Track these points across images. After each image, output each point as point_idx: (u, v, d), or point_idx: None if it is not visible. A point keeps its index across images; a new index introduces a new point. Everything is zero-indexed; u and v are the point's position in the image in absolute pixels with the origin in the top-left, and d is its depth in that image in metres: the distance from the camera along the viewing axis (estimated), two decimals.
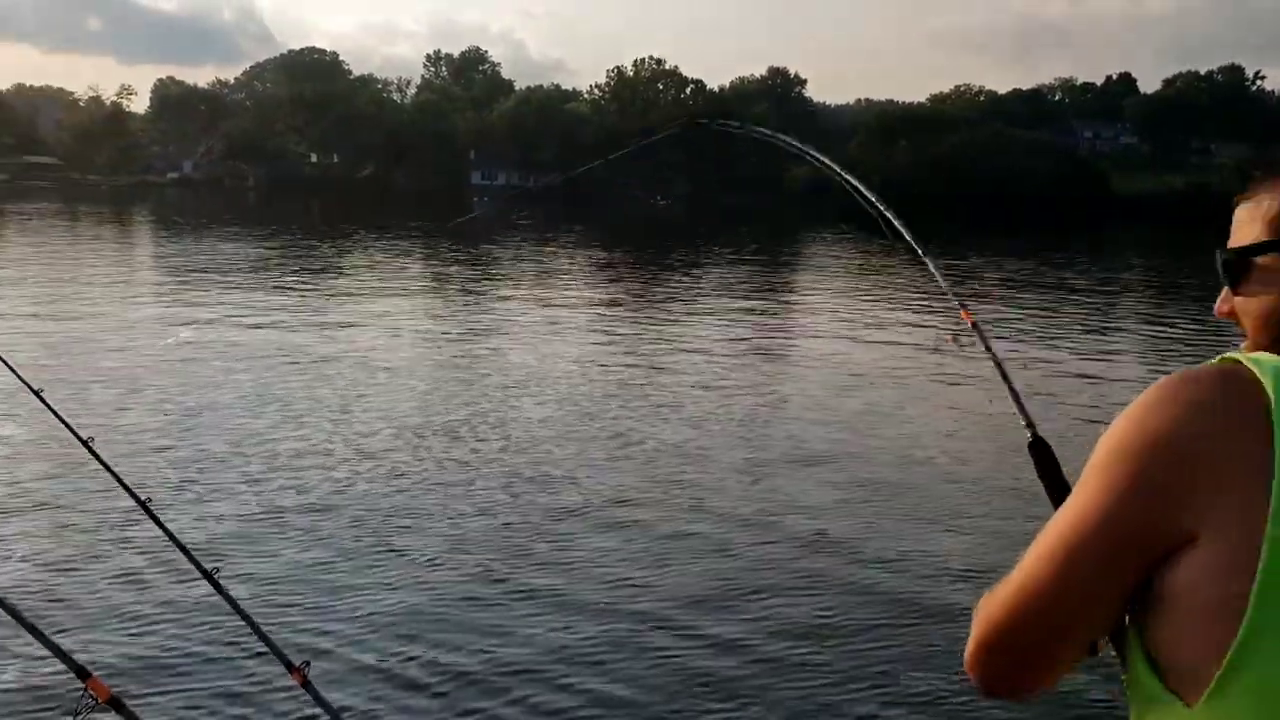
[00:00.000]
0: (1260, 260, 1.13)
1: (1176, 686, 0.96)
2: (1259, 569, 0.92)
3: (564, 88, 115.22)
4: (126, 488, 3.24)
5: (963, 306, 2.18)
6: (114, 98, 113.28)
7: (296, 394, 12.42)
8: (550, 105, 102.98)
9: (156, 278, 25.58)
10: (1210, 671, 0.92)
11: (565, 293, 24.38)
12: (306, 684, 2.73)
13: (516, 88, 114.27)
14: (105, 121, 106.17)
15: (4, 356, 3.67)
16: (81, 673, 2.05)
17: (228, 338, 16.49)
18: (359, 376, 13.54)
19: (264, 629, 3.02)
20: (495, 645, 6.05)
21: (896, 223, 2.19)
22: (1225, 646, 0.93)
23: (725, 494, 8.96)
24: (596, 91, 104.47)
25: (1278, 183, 1.15)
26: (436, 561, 7.45)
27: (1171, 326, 20.47)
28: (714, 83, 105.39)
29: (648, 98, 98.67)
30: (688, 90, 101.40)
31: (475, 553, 7.50)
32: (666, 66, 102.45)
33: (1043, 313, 22.11)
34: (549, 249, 38.54)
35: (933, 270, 2.27)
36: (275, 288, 23.27)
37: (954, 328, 2.21)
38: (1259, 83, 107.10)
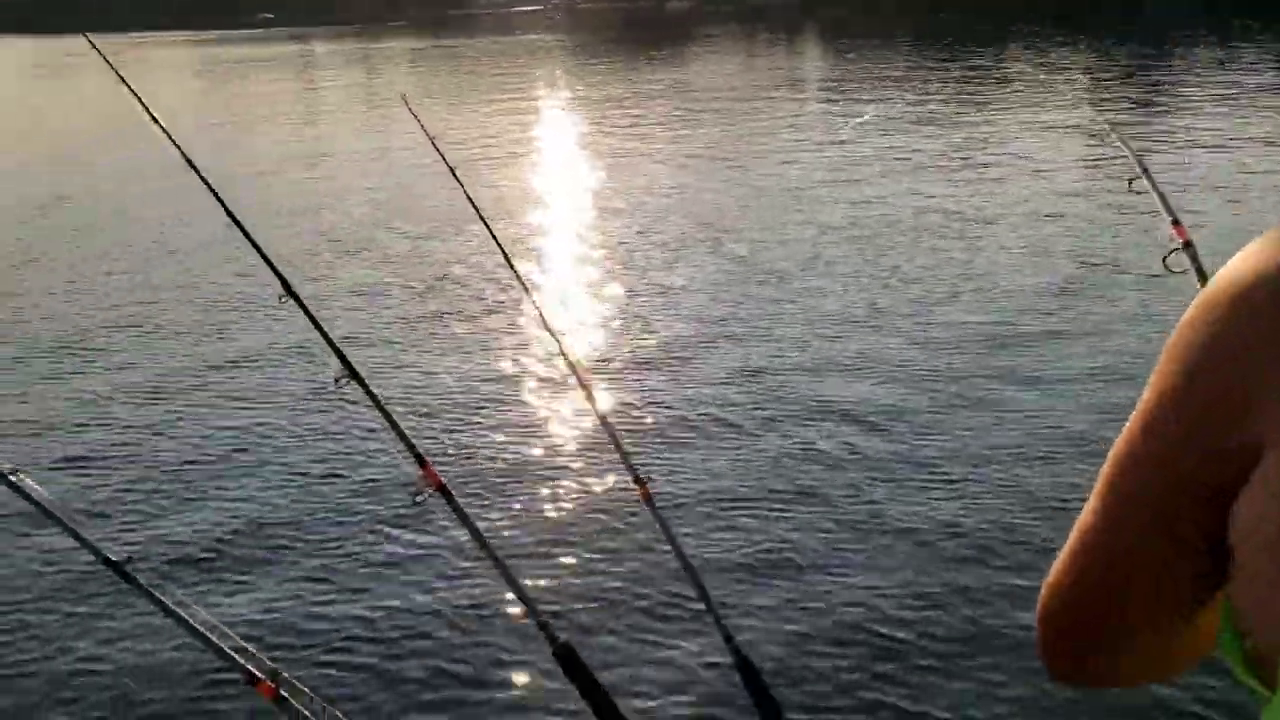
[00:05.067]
0: None
1: (1259, 669, 0.66)
2: None
3: None
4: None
5: (1175, 222, 1.97)
6: None
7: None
8: None
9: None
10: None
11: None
12: (649, 499, 2.66)
13: None
14: None
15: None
16: (420, 460, 2.29)
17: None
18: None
19: None
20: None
21: None
22: None
23: None
24: None
25: None
26: None
27: None
28: None
29: None
30: None
31: None
32: None
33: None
34: None
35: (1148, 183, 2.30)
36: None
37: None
38: None
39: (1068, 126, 17.77)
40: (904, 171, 14.88)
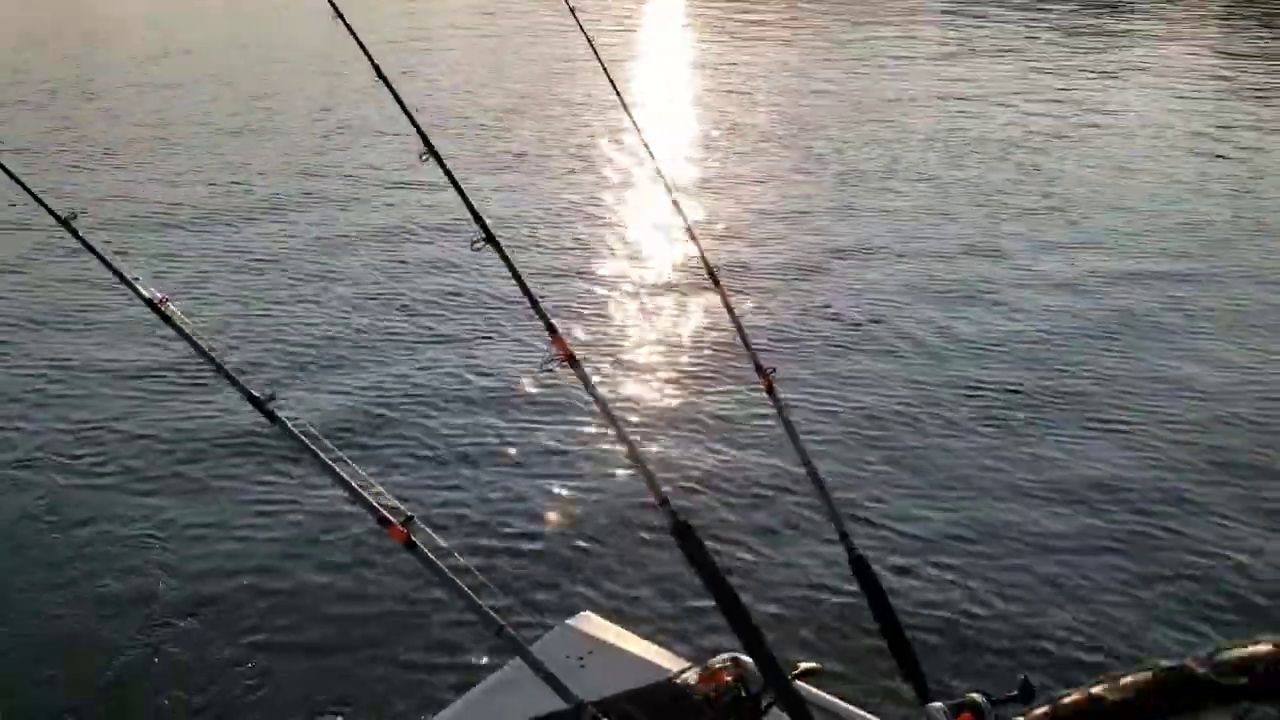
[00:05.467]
0: None
1: None
2: None
3: None
4: None
5: None
6: None
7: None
8: None
9: None
10: None
11: None
12: (770, 389, 2.54)
13: None
14: None
15: None
16: (551, 329, 2.33)
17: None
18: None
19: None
20: None
21: None
22: None
23: None
24: None
25: None
26: None
27: None
28: None
29: None
30: None
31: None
32: None
33: None
34: None
35: None
36: None
37: None
38: None
39: (1187, 56, 16.91)
40: (1013, 91, 14.26)
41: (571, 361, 2.52)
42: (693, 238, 3.30)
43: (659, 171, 3.48)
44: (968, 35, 19.86)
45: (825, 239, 8.38)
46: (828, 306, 6.99)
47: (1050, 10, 23.29)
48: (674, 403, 5.61)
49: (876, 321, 6.76)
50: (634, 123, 3.57)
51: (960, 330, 6.63)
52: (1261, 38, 19.69)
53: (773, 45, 18.41)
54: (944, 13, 23.86)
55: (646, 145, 3.59)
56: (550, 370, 2.55)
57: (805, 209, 9.15)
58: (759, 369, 2.81)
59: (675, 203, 3.44)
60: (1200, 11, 23.52)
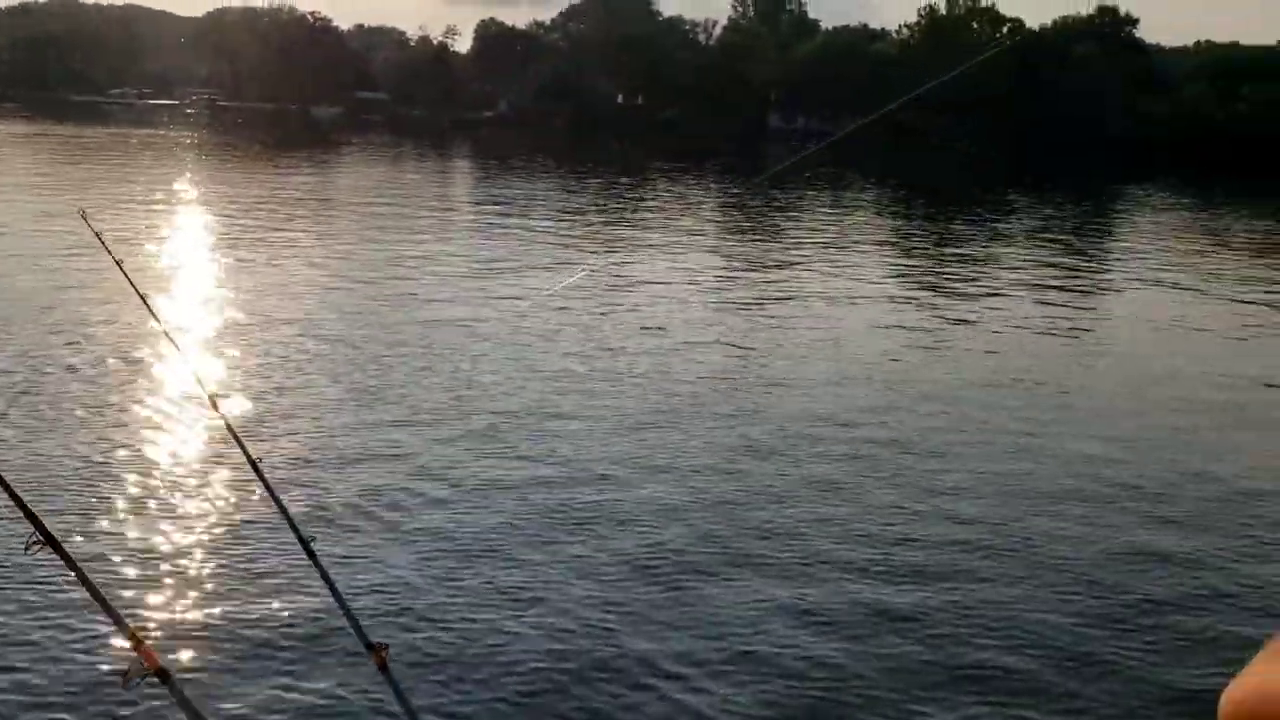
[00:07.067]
0: None
1: None
2: None
3: (872, 27, 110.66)
4: (244, 449, 3.37)
5: None
6: (440, 38, 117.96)
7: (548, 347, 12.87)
8: (857, 46, 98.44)
9: (470, 216, 28.30)
10: None
11: (861, 258, 22.79)
12: (384, 667, 2.71)
13: (823, 28, 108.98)
14: (431, 61, 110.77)
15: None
16: (136, 641, 2.14)
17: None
18: (625, 336, 13.62)
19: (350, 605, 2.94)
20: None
21: None
22: None
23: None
24: (905, 31, 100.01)
25: None
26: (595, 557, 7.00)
27: None
28: (1034, 20, 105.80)
29: (960, 37, 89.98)
30: (1004, 29, 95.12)
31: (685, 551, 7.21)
32: (983, 3, 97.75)
33: None
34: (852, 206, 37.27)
35: None
36: (572, 229, 24.96)
37: None
38: None
39: (695, 253, 22.42)
40: (511, 272, 17.84)
41: (162, 676, 2.24)
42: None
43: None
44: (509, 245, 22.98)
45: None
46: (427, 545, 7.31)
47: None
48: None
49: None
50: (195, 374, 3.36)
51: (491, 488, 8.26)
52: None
53: (282, 246, 20.41)
54: (457, 210, 29.98)
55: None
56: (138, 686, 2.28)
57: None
58: (369, 645, 2.80)
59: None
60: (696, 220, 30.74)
